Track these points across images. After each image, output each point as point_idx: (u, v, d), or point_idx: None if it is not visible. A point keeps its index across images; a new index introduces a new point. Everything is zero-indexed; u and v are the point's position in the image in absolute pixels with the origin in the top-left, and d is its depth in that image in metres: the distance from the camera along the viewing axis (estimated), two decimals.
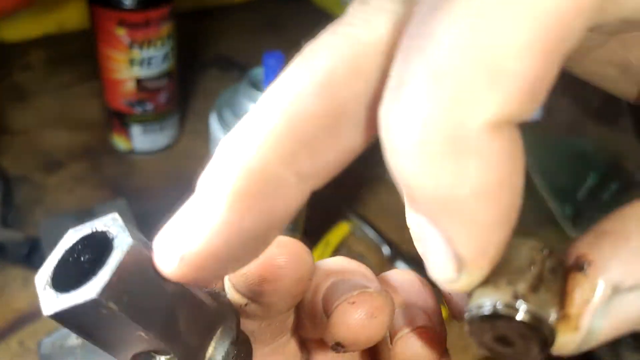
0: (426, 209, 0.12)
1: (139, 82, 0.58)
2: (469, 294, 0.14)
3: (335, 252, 0.60)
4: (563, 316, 0.13)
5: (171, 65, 0.59)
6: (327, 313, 0.17)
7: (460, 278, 0.12)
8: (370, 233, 0.61)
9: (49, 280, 0.13)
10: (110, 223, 0.14)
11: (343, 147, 0.14)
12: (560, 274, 0.13)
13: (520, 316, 0.13)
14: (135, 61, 0.56)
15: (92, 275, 0.12)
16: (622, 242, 0.13)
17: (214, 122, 0.41)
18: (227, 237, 0.13)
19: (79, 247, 0.14)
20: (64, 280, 0.13)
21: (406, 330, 0.18)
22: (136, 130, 0.63)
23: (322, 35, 0.13)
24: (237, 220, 0.13)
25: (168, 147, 0.67)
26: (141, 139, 0.64)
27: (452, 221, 0.12)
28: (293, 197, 0.13)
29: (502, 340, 0.14)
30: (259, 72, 0.40)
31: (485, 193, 0.11)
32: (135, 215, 0.59)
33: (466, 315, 0.14)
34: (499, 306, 0.13)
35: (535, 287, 0.13)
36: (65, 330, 0.36)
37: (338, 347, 0.17)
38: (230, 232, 0.13)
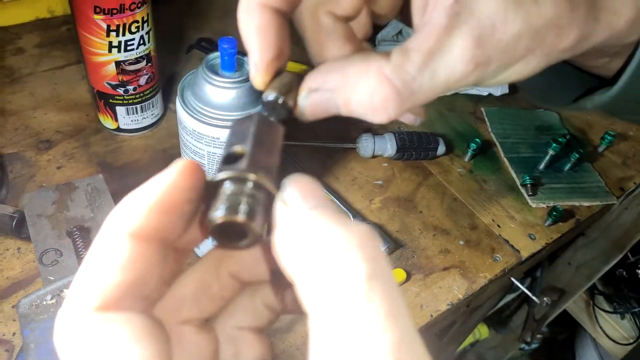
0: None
1: (118, 65, 0.59)
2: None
3: None
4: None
5: (149, 48, 0.60)
6: None
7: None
8: (339, 204, 0.62)
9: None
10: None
11: None
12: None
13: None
14: (113, 45, 0.56)
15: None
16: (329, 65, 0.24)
17: (178, 104, 0.42)
18: None
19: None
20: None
21: None
22: (120, 110, 0.64)
23: None
24: None
25: (152, 125, 0.69)
26: (126, 119, 0.65)
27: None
28: None
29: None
30: (216, 56, 0.40)
31: None
32: (120, 189, 0.60)
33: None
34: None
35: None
36: (41, 291, 0.38)
37: None
38: None
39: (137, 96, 0.63)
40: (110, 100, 0.63)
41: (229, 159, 0.19)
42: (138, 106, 0.64)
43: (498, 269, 0.61)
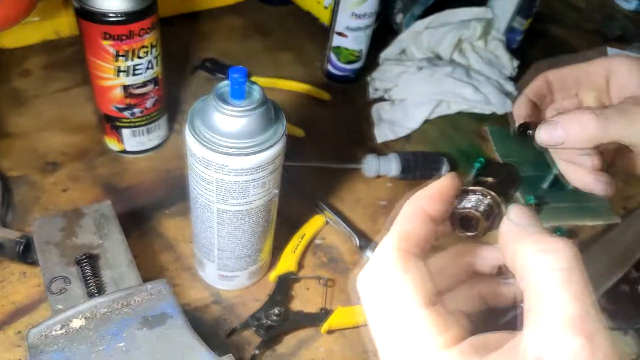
0: None
1: (125, 88, 0.59)
2: None
3: (310, 244, 0.61)
4: None
5: (156, 71, 0.60)
6: None
7: None
8: (344, 224, 0.62)
9: None
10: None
11: None
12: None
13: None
14: (121, 70, 0.57)
15: None
16: None
17: (187, 130, 0.42)
18: None
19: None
20: None
21: None
22: (126, 133, 0.64)
23: None
24: None
25: (157, 147, 0.69)
26: (131, 141, 0.65)
27: None
28: None
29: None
30: (225, 85, 0.41)
31: None
32: (126, 211, 0.60)
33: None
34: None
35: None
36: (51, 321, 0.38)
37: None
38: None
39: (144, 119, 0.63)
40: (117, 123, 0.63)
41: (479, 183, 0.29)
42: (144, 128, 0.64)
43: None
